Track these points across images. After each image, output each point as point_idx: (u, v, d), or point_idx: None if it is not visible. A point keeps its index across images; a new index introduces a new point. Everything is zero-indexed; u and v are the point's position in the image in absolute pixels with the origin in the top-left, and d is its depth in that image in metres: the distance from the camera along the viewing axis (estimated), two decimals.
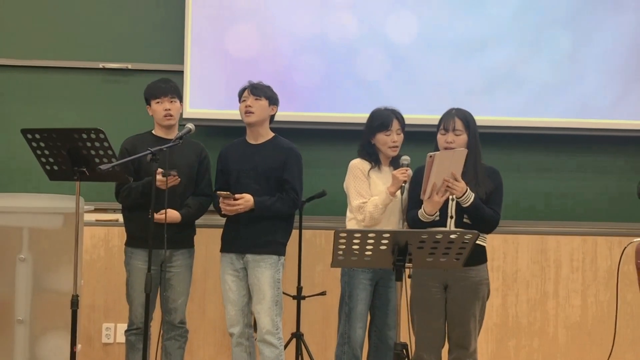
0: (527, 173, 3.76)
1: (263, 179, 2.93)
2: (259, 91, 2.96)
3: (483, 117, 3.63)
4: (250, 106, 2.94)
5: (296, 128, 3.51)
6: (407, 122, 3.47)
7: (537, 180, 3.77)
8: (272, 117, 3.03)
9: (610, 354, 2.96)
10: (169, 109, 2.98)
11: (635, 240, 2.72)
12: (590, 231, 3.71)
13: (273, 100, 3.00)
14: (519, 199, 3.74)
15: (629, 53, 3.71)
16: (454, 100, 3.54)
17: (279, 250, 2.94)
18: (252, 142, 3.01)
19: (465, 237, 2.08)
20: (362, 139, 2.96)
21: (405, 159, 2.77)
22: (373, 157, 2.91)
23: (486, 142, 3.65)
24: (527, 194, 3.75)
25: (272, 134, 3.03)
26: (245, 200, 2.86)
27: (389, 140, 2.88)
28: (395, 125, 2.89)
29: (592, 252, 3.72)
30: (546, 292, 3.74)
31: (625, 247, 2.77)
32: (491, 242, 3.70)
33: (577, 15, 3.70)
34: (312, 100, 3.63)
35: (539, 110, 3.69)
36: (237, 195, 2.86)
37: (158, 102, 2.99)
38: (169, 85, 3.03)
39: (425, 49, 3.65)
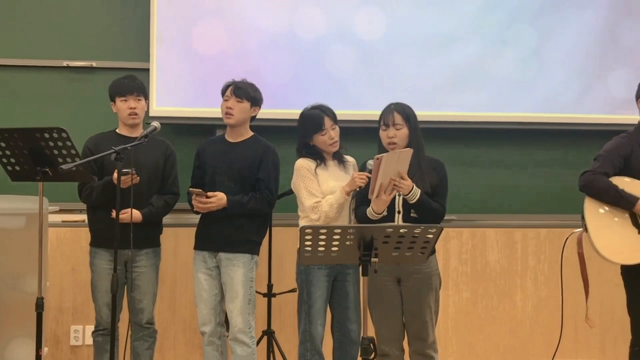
0: (494, 167, 3.82)
1: (238, 177, 2.91)
2: (242, 92, 2.91)
3: (450, 113, 3.71)
4: (230, 108, 2.91)
5: (265, 125, 3.50)
6: (376, 118, 3.49)
7: (503, 175, 3.83)
8: (254, 116, 3.01)
9: (558, 342, 3.03)
10: (134, 108, 2.94)
11: (576, 230, 2.79)
12: (555, 223, 3.78)
13: (255, 101, 2.96)
14: (486, 193, 3.79)
15: (591, 49, 3.79)
16: (422, 97, 3.60)
17: (253, 249, 2.93)
18: (231, 140, 2.99)
19: (429, 231, 2.10)
20: (298, 141, 2.92)
21: (370, 164, 2.74)
22: (316, 155, 2.89)
23: (454, 137, 3.74)
24: (494, 188, 3.81)
25: (251, 133, 3.01)
26: (218, 198, 2.85)
27: (327, 139, 2.87)
28: (328, 122, 2.87)
29: (558, 243, 3.78)
30: (514, 284, 3.80)
31: (567, 238, 2.85)
32: (459, 235, 3.76)
33: (541, 12, 3.77)
34: (281, 97, 3.61)
35: (505, 105, 3.74)
36: (209, 194, 2.84)
37: (123, 100, 2.94)
38: (135, 83, 2.98)
39: (393, 45, 3.67)
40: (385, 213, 2.66)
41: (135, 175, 2.73)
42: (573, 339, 3.72)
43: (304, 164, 2.88)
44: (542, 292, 3.81)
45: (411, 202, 2.64)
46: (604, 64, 3.79)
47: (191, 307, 3.36)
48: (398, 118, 2.72)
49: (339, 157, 2.94)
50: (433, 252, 2.74)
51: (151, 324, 2.99)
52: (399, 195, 2.67)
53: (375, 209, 2.65)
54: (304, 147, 2.90)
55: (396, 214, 2.69)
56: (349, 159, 2.97)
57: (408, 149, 2.65)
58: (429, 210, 2.66)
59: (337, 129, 2.91)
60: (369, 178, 2.64)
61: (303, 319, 2.87)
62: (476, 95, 3.72)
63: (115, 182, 2.69)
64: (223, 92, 2.97)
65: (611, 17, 3.79)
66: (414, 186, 2.63)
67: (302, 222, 2.90)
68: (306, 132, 2.89)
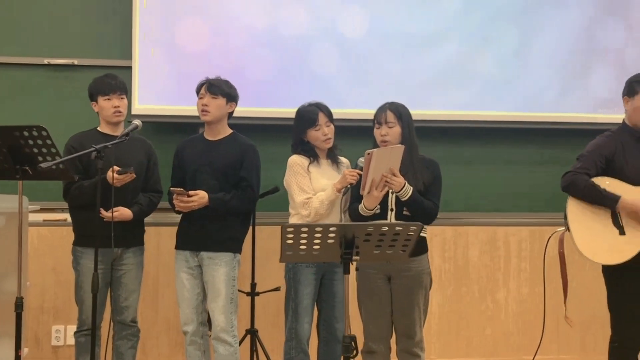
0: (476, 166, 3.84)
1: (220, 175, 2.91)
2: (216, 89, 2.92)
3: (433, 112, 3.72)
4: (206, 105, 2.91)
5: (248, 123, 3.49)
6: (359, 116, 3.50)
7: (485, 173, 3.85)
8: (231, 113, 3.01)
9: (540, 339, 3.06)
10: (118, 106, 2.93)
11: (558, 229, 2.82)
12: (537, 222, 3.82)
13: (231, 97, 2.96)
14: (469, 191, 3.82)
15: (572, 48, 3.82)
16: (405, 95, 3.57)
17: (235, 247, 2.92)
18: (210, 138, 2.99)
19: (410, 228, 2.11)
20: (293, 138, 2.96)
21: (362, 161, 2.75)
22: (310, 152, 2.92)
23: (436, 136, 3.75)
24: (476, 186, 3.83)
25: (230, 131, 3.01)
26: (200, 197, 2.84)
27: (320, 135, 2.90)
28: (322, 118, 2.90)
29: (540, 242, 3.82)
30: (496, 282, 3.83)
31: (550, 237, 2.86)
32: (442, 233, 3.78)
33: (523, 11, 3.80)
34: (264, 95, 3.61)
35: (487, 104, 3.77)
36: (190, 192, 2.84)
37: (107, 99, 2.93)
38: (118, 82, 2.98)
39: (376, 43, 3.68)
40: (378, 210, 2.67)
41: (133, 174, 2.73)
42: (555, 336, 3.75)
43: (297, 160, 2.90)
44: (524, 290, 3.84)
45: (403, 199, 2.65)
46: (585, 63, 3.83)
47: (174, 306, 3.35)
48: (391, 116, 2.74)
49: (333, 157, 2.96)
50: (425, 251, 2.76)
51: (135, 323, 2.98)
52: (392, 192, 2.68)
53: (366, 205, 2.66)
54: (299, 144, 2.93)
55: (389, 212, 2.70)
56: (343, 160, 3.00)
57: (399, 145, 2.66)
58: (422, 209, 2.68)
59: (332, 127, 2.93)
60: (360, 175, 2.65)
61: (290, 316, 2.87)
62: (458, 93, 3.74)
63: (110, 180, 2.68)
64: (198, 91, 2.98)
65: (592, 16, 3.83)
66: (406, 184, 2.64)
67: (293, 219, 2.91)
68: (300, 127, 2.92)
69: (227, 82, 2.98)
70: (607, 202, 2.71)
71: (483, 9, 3.76)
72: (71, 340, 3.31)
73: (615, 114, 3.69)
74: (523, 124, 3.80)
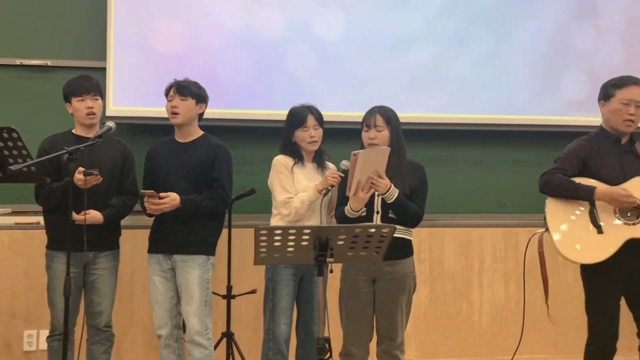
0: (451, 168, 3.88)
1: (192, 177, 2.90)
2: (185, 90, 2.92)
3: (409, 114, 3.73)
4: (176, 107, 2.91)
5: (224, 125, 3.49)
6: (335, 119, 3.51)
7: (460, 175, 3.89)
8: (201, 114, 3.00)
9: (520, 339, 3.09)
10: (92, 107, 2.90)
11: (538, 231, 2.86)
12: (512, 223, 3.86)
13: (200, 98, 2.96)
14: (444, 193, 3.84)
15: (546, 52, 3.88)
16: (381, 97, 3.59)
17: (208, 250, 2.92)
18: (181, 140, 2.98)
19: (383, 230, 2.12)
20: (282, 137, 2.99)
21: (344, 164, 2.78)
22: (296, 153, 2.94)
23: (412, 138, 3.74)
24: (451, 188, 3.87)
25: (201, 132, 3.01)
26: (171, 199, 2.83)
27: (307, 136, 2.92)
28: (311, 120, 2.93)
29: (514, 243, 3.87)
30: (471, 283, 3.87)
31: (530, 238, 2.90)
32: (418, 235, 3.78)
33: (498, 15, 3.84)
34: (241, 97, 3.61)
35: (463, 106, 3.80)
36: (162, 194, 2.82)
37: (80, 100, 2.90)
38: (91, 83, 2.95)
39: (352, 46, 3.70)
40: (364, 213, 2.69)
41: (99, 177, 2.70)
42: (529, 336, 3.79)
43: (281, 160, 2.92)
44: (499, 291, 3.88)
45: (388, 201, 2.67)
46: (557, 67, 3.89)
47: (149, 309, 3.31)
48: (379, 120, 2.76)
49: (319, 161, 2.98)
50: (411, 253, 2.78)
51: (109, 327, 2.95)
52: (378, 195, 2.69)
53: (352, 207, 2.67)
54: (287, 144, 2.95)
55: (375, 214, 2.72)
56: (330, 165, 3.01)
57: (385, 147, 2.68)
58: (407, 211, 2.70)
59: (320, 130, 2.95)
60: (342, 178, 2.68)
61: (267, 317, 2.88)
62: (434, 96, 3.77)
63: (75, 182, 2.65)
64: (167, 93, 2.96)
65: (564, 21, 3.89)
66: (392, 186, 2.66)
67: (274, 219, 2.92)
68: (290, 126, 2.94)
69: (195, 83, 2.97)
70: (583, 194, 2.72)
71: (457, 13, 3.79)
72: (44, 345, 3.26)
73: (587, 117, 3.77)
74: (496, 126, 3.85)
